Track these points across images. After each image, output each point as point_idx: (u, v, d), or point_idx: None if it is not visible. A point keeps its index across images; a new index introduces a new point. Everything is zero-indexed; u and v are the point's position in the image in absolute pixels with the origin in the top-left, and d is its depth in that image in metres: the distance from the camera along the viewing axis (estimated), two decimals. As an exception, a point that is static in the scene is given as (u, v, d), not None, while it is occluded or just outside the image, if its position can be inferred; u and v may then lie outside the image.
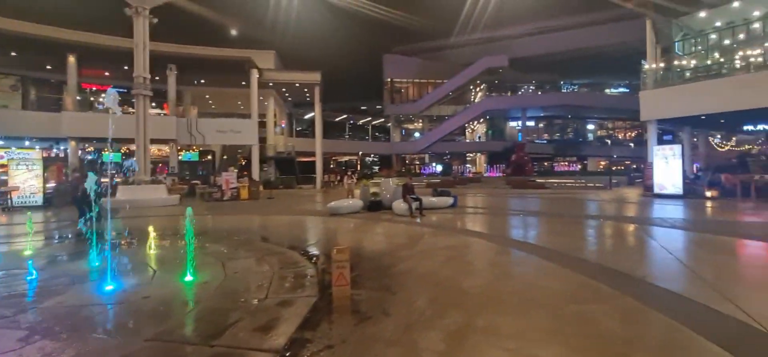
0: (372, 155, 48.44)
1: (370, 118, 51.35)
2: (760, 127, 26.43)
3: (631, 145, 44.84)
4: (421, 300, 4.27)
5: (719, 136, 32.16)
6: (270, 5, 28.92)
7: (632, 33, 23.48)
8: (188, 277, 4.95)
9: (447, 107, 44.06)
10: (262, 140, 30.44)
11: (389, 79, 43.77)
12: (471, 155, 48.29)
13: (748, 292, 4.53)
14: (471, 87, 44.86)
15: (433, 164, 46.09)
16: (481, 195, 21.36)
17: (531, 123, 45.52)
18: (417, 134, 47.38)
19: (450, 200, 14.20)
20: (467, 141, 47.59)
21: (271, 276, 5.23)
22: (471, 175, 39.89)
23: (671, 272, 5.55)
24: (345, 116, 49.84)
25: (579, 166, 42.68)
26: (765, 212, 12.01)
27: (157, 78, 27.99)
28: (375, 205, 13.57)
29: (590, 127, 47.77)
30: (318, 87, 31.17)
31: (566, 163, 43.39)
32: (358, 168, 44.93)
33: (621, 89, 43.22)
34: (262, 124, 31.24)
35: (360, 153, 47.37)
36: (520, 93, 43.58)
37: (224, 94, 32.52)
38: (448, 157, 47.28)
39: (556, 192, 23.44)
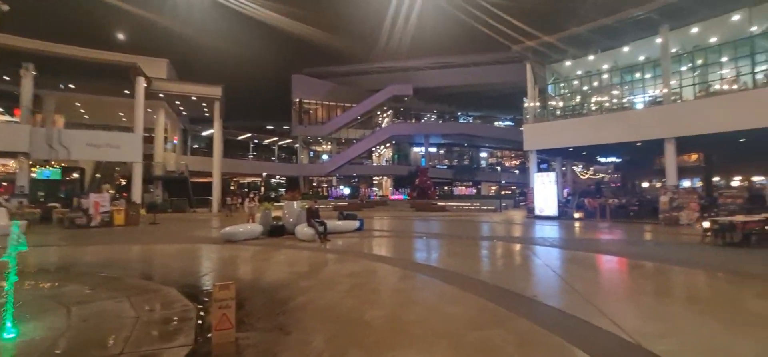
0: (278, 177, 46.33)
1: (276, 138, 49.28)
2: (610, 159, 32.11)
3: (517, 172, 50.74)
4: (319, 339, 3.82)
5: (581, 166, 38.23)
6: (165, 9, 26.13)
7: (517, 74, 26.79)
8: (7, 334, 3.72)
9: (355, 131, 44.69)
10: (149, 157, 26.80)
11: (298, 100, 42.85)
12: (378, 178, 49.42)
13: (617, 305, 5.07)
14: (378, 112, 46.35)
15: (341, 187, 45.92)
16: (387, 218, 21.69)
17: (433, 149, 48.66)
18: (325, 156, 46.91)
19: (356, 224, 13.98)
20: (374, 165, 48.66)
21: (135, 322, 4.25)
22: (377, 198, 40.64)
23: (554, 289, 6.03)
24: (249, 135, 47.02)
25: (474, 190, 46.69)
26: (617, 230, 14.29)
27: (6, 78, 22.98)
28: (277, 230, 12.68)
29: (483, 154, 52.91)
30: (218, 102, 28.85)
31: (464, 188, 47.09)
32: (263, 190, 42.42)
33: (508, 123, 48.95)
34: (150, 140, 27.59)
35: (264, 174, 44.92)
36: (423, 121, 46.47)
37: (102, 104, 27.94)
38: (356, 179, 47.69)
39: (455, 214, 25.02)
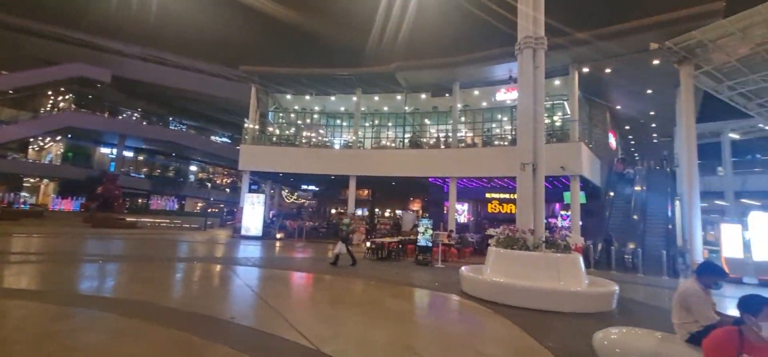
0: None
1: None
2: (311, 187, 37.12)
3: (228, 190, 49.61)
4: None
5: (288, 190, 42.11)
6: None
7: (241, 93, 26.67)
8: None
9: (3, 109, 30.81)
10: None
11: None
12: (33, 181, 35.70)
13: (303, 315, 5.76)
14: (51, 93, 34.06)
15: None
16: (42, 236, 15.92)
17: (130, 153, 40.26)
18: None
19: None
20: (31, 161, 34.95)
21: None
22: (30, 207, 29.25)
23: (252, 308, 6.19)
24: None
25: (177, 206, 41.89)
26: (309, 249, 16.48)
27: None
28: None
29: (193, 168, 48.68)
30: None
31: (164, 202, 41.35)
32: None
33: (225, 139, 47.53)
34: None
35: None
36: (121, 117, 37.82)
37: None
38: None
39: (148, 232, 21.45)
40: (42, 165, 35.17)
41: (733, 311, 4.37)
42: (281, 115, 26.39)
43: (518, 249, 8.02)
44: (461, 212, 23.75)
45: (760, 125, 21.41)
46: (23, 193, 33.76)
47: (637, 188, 19.97)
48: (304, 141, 24.24)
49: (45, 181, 35.80)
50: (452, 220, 18.91)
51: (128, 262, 10.47)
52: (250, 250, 14.81)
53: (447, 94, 20.57)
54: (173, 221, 28.45)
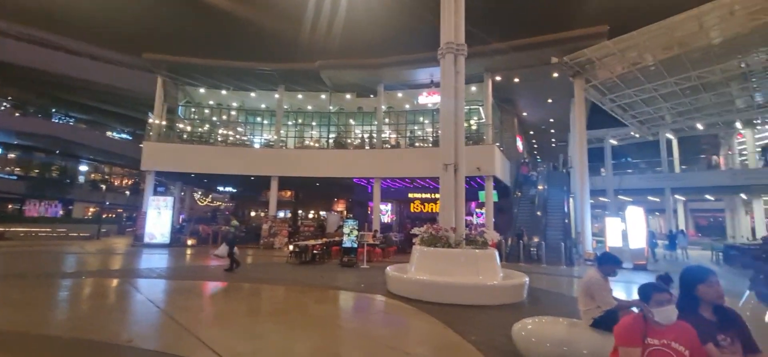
0: None
1: None
2: (228, 188, 34.62)
3: (127, 193, 44.03)
4: None
5: (201, 192, 38.76)
6: None
7: (145, 84, 23.71)
8: None
9: None
10: None
11: None
12: None
13: (217, 331, 5.21)
14: None
15: None
16: None
17: (-5, 149, 33.44)
18: None
19: None
20: None
21: None
22: None
23: (155, 327, 5.44)
24: None
25: (61, 212, 35.99)
26: (225, 258, 15.25)
27: None
28: None
29: (84, 168, 42.23)
30: None
31: (44, 207, 35.19)
32: None
33: (125, 136, 42.07)
34: None
35: None
36: (-19, 104, 31.17)
37: None
38: None
39: (21, 245, 18.05)
40: None
41: (620, 294, 4.92)
42: (193, 110, 24.16)
43: (441, 247, 8.29)
44: (385, 212, 24.13)
45: (632, 133, 25.37)
46: None
47: (540, 187, 22.21)
48: (220, 139, 22.47)
49: None
50: (377, 220, 19.07)
51: (-10, 281, 8.59)
52: (155, 260, 13.23)
53: (372, 95, 20.71)
54: (56, 230, 24.29)
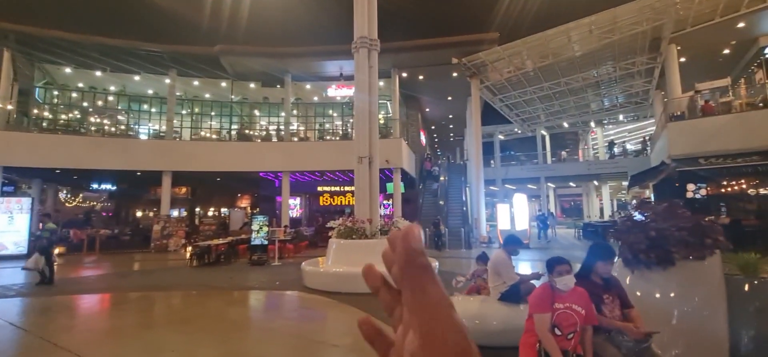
0: None
1: None
2: (104, 186, 29.79)
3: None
4: None
5: (67, 191, 32.68)
6: None
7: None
8: None
9: None
10: None
11: None
12: None
13: (104, 351, 4.56)
14: None
15: None
16: None
17: None
18: None
19: None
20: None
21: None
22: None
23: (25, 354, 4.53)
24: None
25: None
26: (106, 263, 13.28)
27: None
28: None
29: None
30: None
31: None
32: None
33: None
34: None
35: None
36: None
37: None
38: None
39: None
40: None
41: (524, 271, 5.62)
42: (56, 93, 20.22)
43: (358, 238, 8.45)
44: (294, 206, 23.48)
45: (516, 130, 28.94)
46: None
47: (442, 178, 24.00)
48: (94, 129, 19.23)
49: None
50: (286, 215, 18.47)
51: None
52: (9, 276, 10.85)
53: (279, 86, 19.87)
54: None
